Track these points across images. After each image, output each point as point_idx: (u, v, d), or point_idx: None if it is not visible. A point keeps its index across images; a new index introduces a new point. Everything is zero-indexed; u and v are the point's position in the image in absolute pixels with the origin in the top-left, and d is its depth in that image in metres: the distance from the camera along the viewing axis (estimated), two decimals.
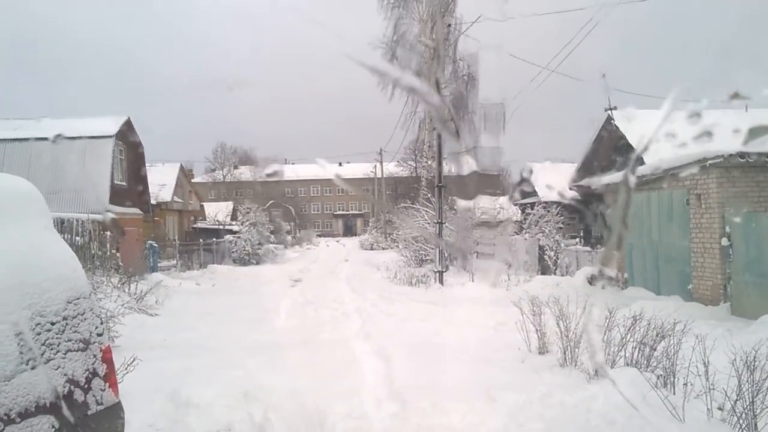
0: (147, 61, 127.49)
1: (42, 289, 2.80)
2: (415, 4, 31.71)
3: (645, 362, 6.02)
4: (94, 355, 3.04)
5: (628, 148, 21.30)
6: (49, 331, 2.77)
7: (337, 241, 60.97)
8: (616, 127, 22.50)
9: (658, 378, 5.48)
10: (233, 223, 39.20)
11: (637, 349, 6.17)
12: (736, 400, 4.56)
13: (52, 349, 2.75)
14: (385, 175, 57.29)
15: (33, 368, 2.60)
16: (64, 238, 3.53)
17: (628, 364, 6.14)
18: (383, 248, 38.20)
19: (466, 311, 11.71)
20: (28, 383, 2.57)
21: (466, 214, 23.95)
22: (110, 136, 23.22)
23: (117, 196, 23.68)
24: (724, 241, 11.11)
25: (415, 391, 6.17)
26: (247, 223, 31.93)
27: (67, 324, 2.90)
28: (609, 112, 23.26)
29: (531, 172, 29.34)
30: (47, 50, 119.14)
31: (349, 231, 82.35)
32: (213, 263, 27.56)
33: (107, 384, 3.09)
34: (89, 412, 2.90)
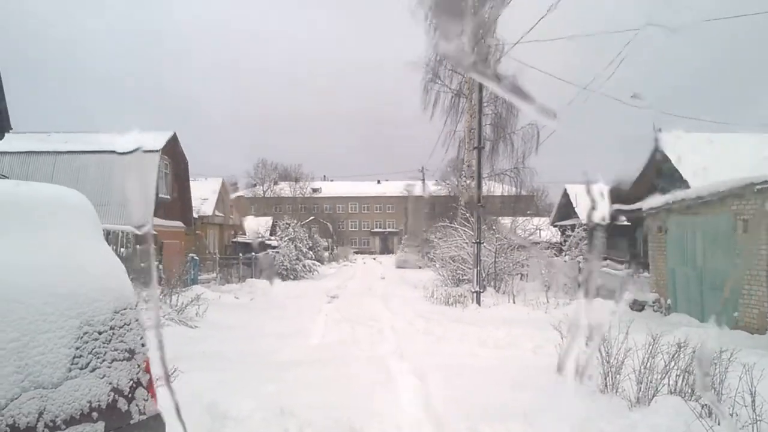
0: (195, 84, 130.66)
1: (91, 299, 2.88)
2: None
3: (689, 391, 5.85)
4: (138, 365, 3.10)
5: (674, 171, 20.90)
6: (96, 340, 2.83)
7: (374, 259, 61.04)
8: (661, 150, 22.08)
9: (702, 407, 5.32)
10: (272, 238, 39.61)
11: (681, 377, 6.01)
12: None
13: (98, 357, 2.81)
14: (423, 194, 57.22)
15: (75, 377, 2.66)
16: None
17: (671, 393, 5.98)
18: (419, 267, 38.09)
19: (504, 333, 11.56)
20: (74, 391, 2.63)
21: (506, 235, 23.77)
22: (156, 151, 23.80)
23: (161, 209, 24.21)
24: None
25: (451, 413, 6.12)
26: (286, 238, 32.21)
27: (113, 334, 2.96)
28: (656, 133, 22.84)
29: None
30: (103, 73, 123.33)
31: (386, 248, 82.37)
32: (251, 277, 27.84)
33: (150, 394, 3.14)
34: (132, 422, 2.96)
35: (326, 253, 51.23)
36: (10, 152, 22.66)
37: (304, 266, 32.48)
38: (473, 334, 11.74)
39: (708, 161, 16.36)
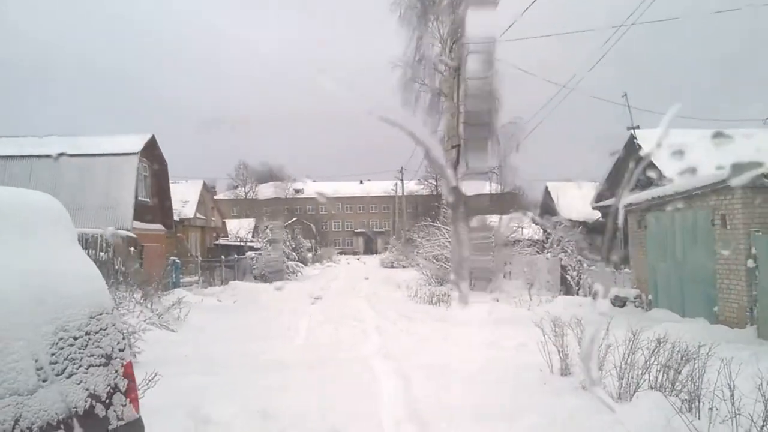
0: (173, 85, 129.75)
1: (65, 304, 2.83)
2: (435, 24, 31.94)
3: (669, 386, 5.90)
4: (116, 371, 3.05)
5: (651, 167, 21.09)
6: (71, 345, 2.79)
7: (358, 259, 61.01)
8: (639, 146, 22.30)
9: (682, 402, 5.37)
10: (254, 239, 39.39)
11: (661, 372, 6.05)
12: (762, 425, 4.45)
13: (74, 363, 2.77)
14: (405, 194, 57.32)
15: (51, 383, 2.61)
16: (88, 253, 3.58)
17: (652, 388, 6.02)
18: (404, 266, 38.12)
19: (487, 331, 11.58)
20: (50, 398, 2.59)
21: (488, 233, 23.83)
22: (135, 154, 23.56)
23: (141, 212, 23.98)
24: (750, 263, 10.90)
25: (435, 412, 6.12)
26: (268, 240, 32.05)
27: (89, 339, 2.92)
28: (632, 131, 23.07)
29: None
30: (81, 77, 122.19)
31: (370, 249, 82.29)
32: (234, 280, 27.66)
33: (128, 399, 3.10)
34: (110, 428, 2.91)
35: (309, 254, 51.07)
36: None
37: (287, 267, 32.34)
38: (457, 333, 11.76)
39: (689, 158, 16.50)
